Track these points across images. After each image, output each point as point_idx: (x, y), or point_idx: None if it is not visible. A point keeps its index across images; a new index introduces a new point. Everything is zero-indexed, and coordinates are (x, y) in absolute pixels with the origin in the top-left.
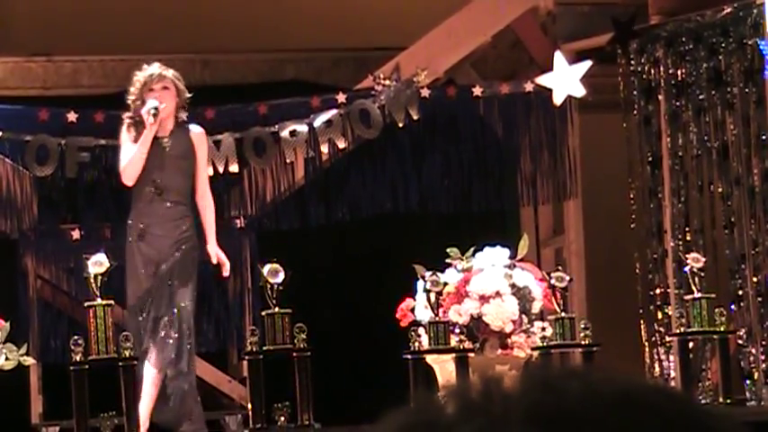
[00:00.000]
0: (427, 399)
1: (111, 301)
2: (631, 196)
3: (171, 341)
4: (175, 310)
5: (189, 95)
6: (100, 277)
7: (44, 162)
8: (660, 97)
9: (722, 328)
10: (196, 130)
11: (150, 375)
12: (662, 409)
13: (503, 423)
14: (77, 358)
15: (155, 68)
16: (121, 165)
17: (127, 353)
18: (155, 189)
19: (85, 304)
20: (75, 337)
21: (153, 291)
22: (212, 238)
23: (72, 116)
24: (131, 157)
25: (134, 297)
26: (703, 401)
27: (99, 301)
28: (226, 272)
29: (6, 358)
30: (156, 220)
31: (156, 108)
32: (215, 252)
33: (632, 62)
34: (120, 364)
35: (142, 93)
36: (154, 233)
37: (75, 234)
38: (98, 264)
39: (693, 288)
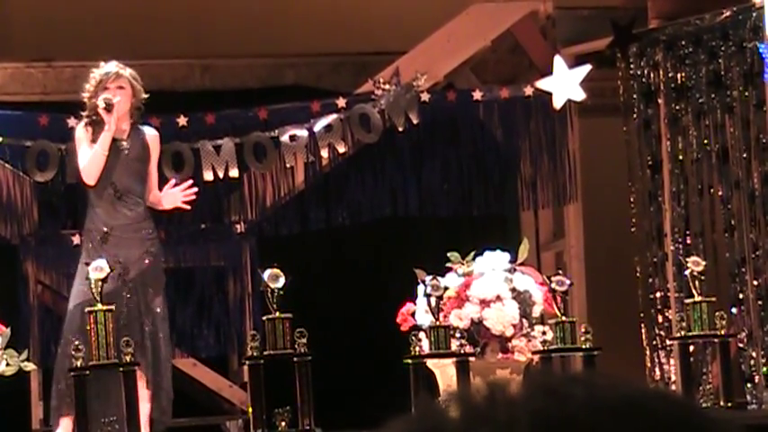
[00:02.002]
0: (431, 405)
1: (112, 307)
2: (631, 200)
3: (150, 347)
4: (150, 319)
5: (145, 96)
6: (100, 283)
7: (44, 167)
8: (660, 101)
9: (723, 332)
10: (151, 132)
11: (141, 383)
12: (665, 415)
13: (508, 430)
14: (78, 364)
15: (111, 67)
16: (81, 164)
17: (128, 358)
18: (114, 192)
19: (86, 310)
20: (76, 343)
21: (123, 295)
22: (157, 192)
23: (72, 122)
24: (92, 155)
25: (87, 295)
26: (704, 405)
27: (99, 306)
28: (188, 197)
29: (7, 364)
30: (119, 222)
31: (109, 100)
32: (165, 194)
33: (632, 66)
34: (121, 369)
35: (97, 91)
36: (117, 235)
37: (76, 239)
38: (99, 269)
39: (694, 291)
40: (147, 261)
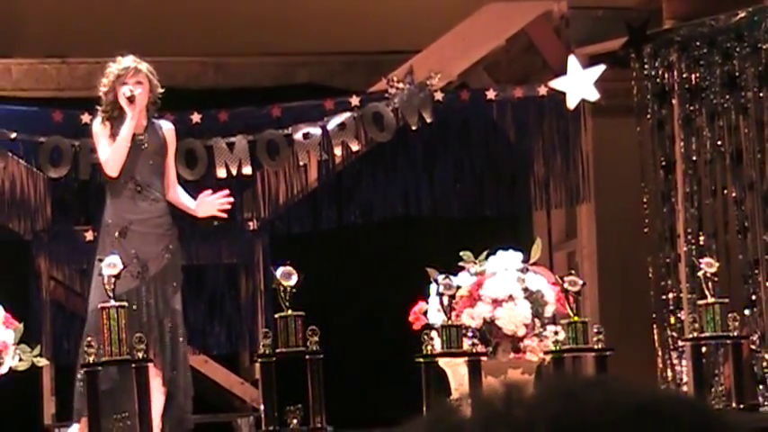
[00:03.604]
0: (448, 406)
1: (125, 303)
2: (644, 200)
3: (169, 344)
4: (170, 316)
5: (161, 90)
6: (113, 279)
7: (58, 163)
8: (674, 101)
9: (735, 333)
10: (167, 126)
11: (157, 379)
12: (681, 419)
13: None
14: (90, 360)
15: (129, 61)
16: (102, 157)
17: (140, 354)
18: (135, 186)
19: (99, 306)
20: (89, 339)
21: (143, 292)
22: (191, 200)
23: (86, 118)
24: (114, 147)
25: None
26: (716, 407)
27: (112, 302)
28: (224, 205)
29: (20, 359)
30: (139, 217)
31: (131, 91)
32: (200, 201)
33: (646, 66)
34: (134, 365)
35: (114, 85)
36: (137, 230)
37: (89, 236)
38: (111, 265)
39: (706, 293)
40: (166, 257)
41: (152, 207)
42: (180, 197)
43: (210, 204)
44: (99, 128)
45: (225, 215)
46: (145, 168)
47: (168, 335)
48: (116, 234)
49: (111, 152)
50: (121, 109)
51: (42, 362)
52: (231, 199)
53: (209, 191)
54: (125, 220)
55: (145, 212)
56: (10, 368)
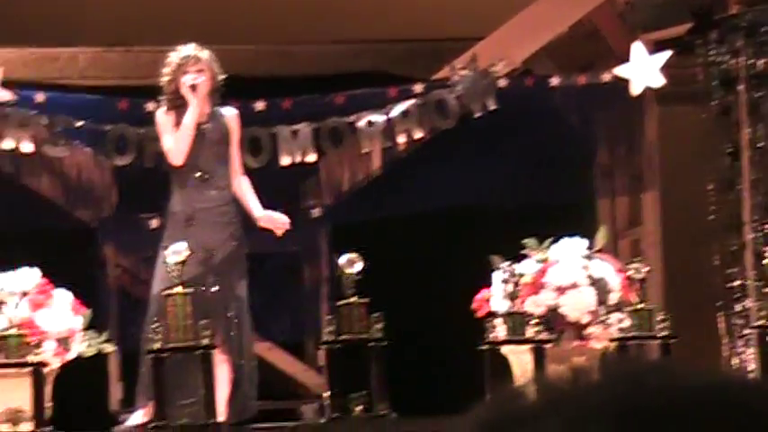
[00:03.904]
0: (512, 391)
1: (191, 290)
2: (710, 188)
3: (235, 331)
4: (236, 304)
5: (223, 77)
6: (179, 266)
7: (123, 151)
8: (740, 88)
9: None
10: (230, 113)
11: (223, 365)
12: (749, 404)
13: (589, 417)
14: (156, 346)
15: (190, 50)
16: (167, 146)
17: (205, 341)
18: (200, 174)
19: (164, 293)
20: (154, 325)
21: (208, 279)
22: (257, 206)
23: (151, 106)
24: (178, 135)
25: (173, 280)
26: None
27: (179, 289)
28: (281, 229)
29: (88, 345)
30: (204, 206)
31: (194, 80)
32: (266, 215)
33: (711, 52)
34: (199, 352)
35: (176, 74)
36: (202, 219)
37: (154, 223)
38: (177, 252)
39: None
40: (232, 245)
41: (217, 195)
42: (244, 191)
43: (274, 223)
44: (163, 117)
45: (280, 234)
46: (209, 157)
47: (234, 322)
48: (182, 222)
49: (175, 141)
50: (184, 98)
51: (109, 348)
52: (287, 228)
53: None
54: (191, 208)
55: (210, 201)
56: (78, 354)
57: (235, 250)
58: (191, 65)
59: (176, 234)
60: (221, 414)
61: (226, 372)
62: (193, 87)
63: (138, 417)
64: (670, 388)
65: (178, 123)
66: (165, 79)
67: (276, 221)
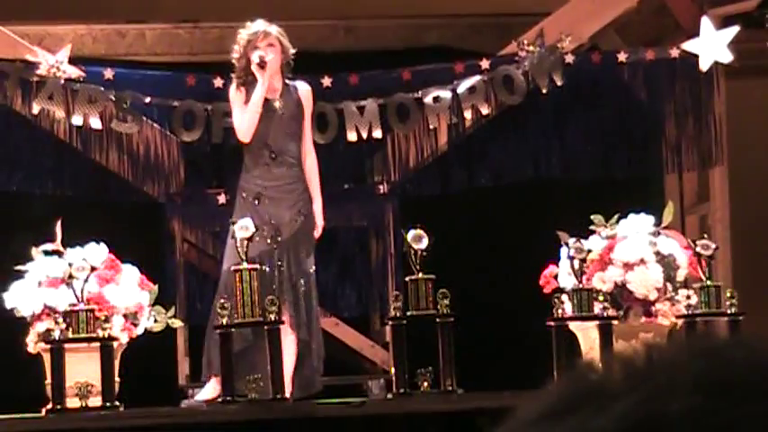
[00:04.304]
0: (589, 366)
1: (257, 266)
2: None
3: (304, 306)
4: (304, 279)
5: (294, 51)
6: (246, 242)
7: (191, 127)
8: None
9: None
10: (304, 88)
11: (290, 340)
12: None
13: (669, 392)
14: (223, 321)
15: (259, 25)
16: (236, 123)
17: (272, 317)
18: (269, 152)
19: (232, 268)
20: (222, 301)
21: (276, 255)
22: (318, 197)
23: (218, 82)
24: (246, 113)
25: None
26: None
27: (245, 265)
28: (317, 233)
29: (155, 320)
30: (273, 183)
31: (262, 56)
32: (319, 211)
33: None
34: (266, 327)
35: (246, 50)
36: (271, 196)
37: (221, 198)
38: (244, 228)
39: None
40: (299, 221)
41: (286, 173)
42: (310, 174)
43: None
44: (234, 94)
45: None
46: (279, 133)
47: (302, 297)
48: (251, 199)
49: (242, 119)
50: (254, 74)
51: (177, 323)
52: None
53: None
54: (259, 185)
55: (279, 178)
56: (145, 329)
57: (302, 226)
58: (260, 40)
59: (245, 210)
60: (288, 388)
61: (292, 347)
62: (262, 65)
63: (208, 391)
64: (749, 362)
65: (248, 100)
66: (235, 56)
67: (318, 225)
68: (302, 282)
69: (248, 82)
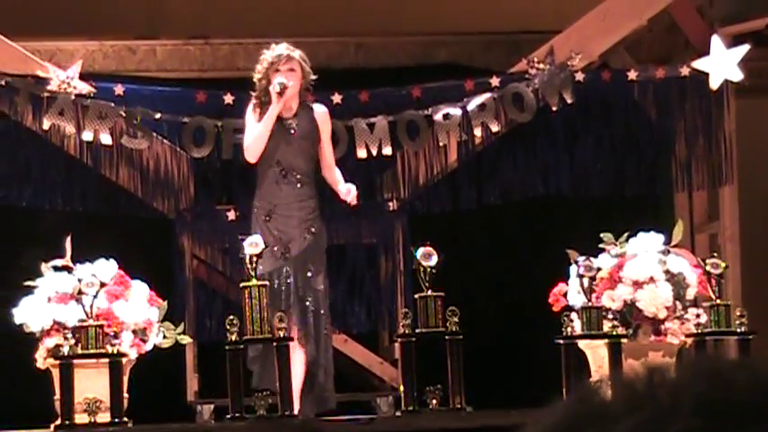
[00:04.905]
0: (591, 388)
1: (266, 282)
2: None
3: (312, 323)
4: (312, 296)
5: (314, 77)
6: (255, 258)
7: (201, 143)
8: None
9: None
10: (320, 110)
11: (299, 357)
12: None
13: (670, 414)
14: (233, 338)
15: (282, 49)
16: (245, 142)
17: (281, 333)
18: (280, 170)
19: (241, 285)
20: (231, 317)
21: (285, 272)
22: (341, 180)
23: (228, 98)
24: (255, 133)
25: (260, 271)
26: None
27: (254, 281)
28: (353, 198)
29: (164, 336)
30: (283, 200)
31: (283, 84)
32: (347, 186)
33: None
34: (275, 344)
35: (268, 72)
36: (281, 213)
37: (231, 215)
38: (254, 244)
39: None
40: (308, 239)
41: (296, 191)
42: (333, 176)
43: (348, 191)
44: (249, 113)
45: (352, 204)
46: (290, 152)
47: (311, 314)
48: (262, 217)
49: (251, 139)
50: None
51: (186, 339)
52: (354, 202)
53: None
54: (270, 203)
55: (288, 196)
56: (154, 345)
57: (311, 244)
58: (282, 63)
59: (256, 228)
60: (296, 404)
61: (300, 362)
62: (281, 92)
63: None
64: (751, 385)
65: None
66: (256, 76)
67: (351, 190)
68: (310, 298)
69: (265, 102)
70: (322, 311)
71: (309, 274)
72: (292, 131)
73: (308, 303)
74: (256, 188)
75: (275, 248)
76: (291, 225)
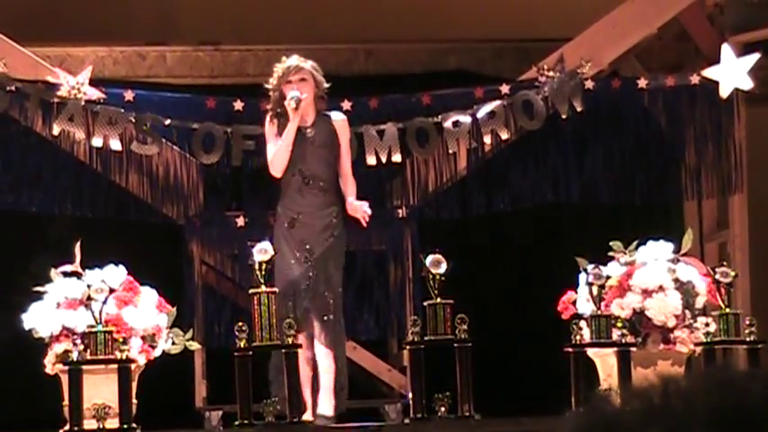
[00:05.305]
0: (605, 399)
1: (276, 289)
2: None
3: (332, 322)
4: (333, 293)
5: (327, 86)
6: (264, 264)
7: (210, 150)
8: None
9: None
10: (338, 118)
11: (325, 356)
12: None
13: (684, 425)
14: (241, 344)
15: (293, 60)
16: (268, 157)
17: (290, 340)
18: (302, 178)
19: (250, 291)
20: (240, 324)
21: (308, 276)
22: (352, 193)
23: (238, 105)
24: (277, 148)
25: (284, 282)
26: None
27: (263, 288)
28: (363, 217)
29: (173, 343)
30: (306, 208)
31: (297, 98)
32: (351, 202)
33: None
34: (284, 350)
35: (280, 84)
36: (304, 221)
37: (240, 221)
38: (263, 251)
39: None
40: (330, 240)
41: (318, 199)
42: (346, 186)
43: (356, 209)
44: (267, 127)
45: (364, 225)
46: (312, 160)
47: (332, 311)
48: (285, 225)
49: (274, 154)
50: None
51: (194, 346)
52: (367, 218)
53: (366, 203)
54: (293, 211)
55: (311, 204)
56: (163, 351)
57: (332, 244)
58: (293, 74)
59: (279, 236)
60: (325, 407)
61: (330, 364)
62: (296, 106)
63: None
64: (765, 395)
65: (280, 133)
66: (269, 87)
67: (358, 210)
68: (330, 295)
69: (280, 114)
70: (339, 313)
71: (329, 270)
72: (312, 140)
73: (329, 300)
74: (279, 197)
75: (298, 254)
76: (314, 232)
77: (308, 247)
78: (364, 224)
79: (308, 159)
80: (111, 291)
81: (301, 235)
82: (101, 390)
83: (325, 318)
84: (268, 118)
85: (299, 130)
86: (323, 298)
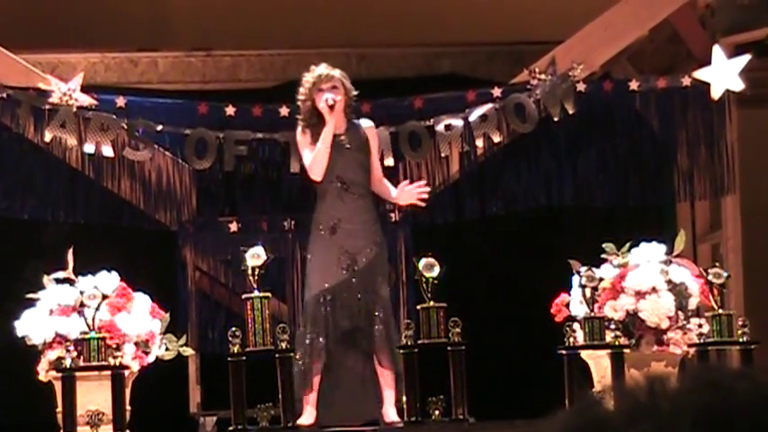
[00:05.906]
0: (593, 399)
1: (269, 294)
2: None
3: (384, 334)
4: (382, 305)
5: (355, 93)
6: (257, 270)
7: (203, 155)
8: None
9: None
10: (367, 124)
11: (388, 375)
12: None
13: (671, 425)
14: (235, 350)
15: (323, 69)
16: (306, 163)
17: (283, 344)
18: (341, 184)
19: (243, 296)
20: (233, 329)
21: (352, 284)
22: (392, 188)
23: (230, 110)
24: (315, 152)
25: (320, 286)
26: None
27: (256, 293)
28: (422, 194)
29: (166, 348)
30: (347, 214)
31: (333, 98)
32: (400, 190)
33: None
34: (277, 355)
35: (312, 93)
36: (345, 227)
37: (233, 227)
38: (256, 256)
39: None
40: (374, 250)
41: (358, 203)
42: (383, 188)
43: (410, 194)
44: (300, 137)
45: (423, 204)
46: (348, 166)
47: (382, 324)
48: (325, 231)
49: (313, 159)
50: (319, 116)
51: (188, 351)
52: (428, 189)
53: (408, 180)
54: (333, 217)
55: (352, 209)
56: (157, 357)
57: (376, 255)
58: (324, 83)
59: (319, 243)
60: (392, 414)
61: (391, 382)
62: (332, 106)
63: (307, 417)
64: (752, 395)
65: (314, 141)
66: (300, 98)
67: (412, 193)
68: (379, 308)
69: (313, 124)
70: (392, 321)
71: (377, 284)
72: (347, 146)
73: (377, 313)
74: (317, 203)
75: (341, 261)
76: (357, 237)
77: (351, 252)
78: (423, 204)
79: (346, 165)
80: (104, 297)
81: (343, 240)
82: (94, 396)
83: (370, 333)
84: (300, 129)
85: (333, 138)
86: (369, 314)
